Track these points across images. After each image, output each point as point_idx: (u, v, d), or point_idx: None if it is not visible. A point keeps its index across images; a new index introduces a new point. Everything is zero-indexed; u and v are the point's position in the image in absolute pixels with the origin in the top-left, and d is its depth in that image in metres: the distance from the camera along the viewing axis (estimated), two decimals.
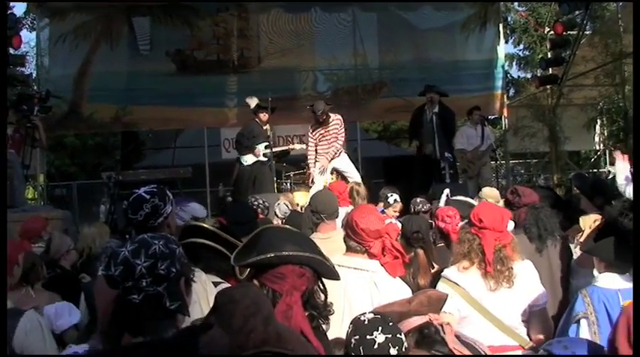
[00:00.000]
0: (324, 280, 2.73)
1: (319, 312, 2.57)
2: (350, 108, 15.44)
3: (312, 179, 10.83)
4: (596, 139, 18.09)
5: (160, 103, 14.68)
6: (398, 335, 2.49)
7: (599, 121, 17.65)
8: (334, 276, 2.69)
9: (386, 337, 2.44)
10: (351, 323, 2.57)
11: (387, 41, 15.72)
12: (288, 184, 12.05)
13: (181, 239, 3.75)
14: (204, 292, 3.40)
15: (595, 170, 18.57)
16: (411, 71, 15.43)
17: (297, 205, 8.37)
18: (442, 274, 3.93)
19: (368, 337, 2.44)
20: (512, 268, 3.81)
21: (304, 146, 11.92)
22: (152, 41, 14.71)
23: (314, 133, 10.81)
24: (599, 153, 18.64)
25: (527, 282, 3.89)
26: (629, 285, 3.36)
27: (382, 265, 3.82)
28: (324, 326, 2.62)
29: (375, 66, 15.85)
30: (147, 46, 14.67)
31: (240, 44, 15.29)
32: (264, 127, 11.09)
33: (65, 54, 14.12)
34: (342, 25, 15.50)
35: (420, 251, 4.71)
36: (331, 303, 2.65)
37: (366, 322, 2.51)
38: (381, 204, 8.36)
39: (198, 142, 15.78)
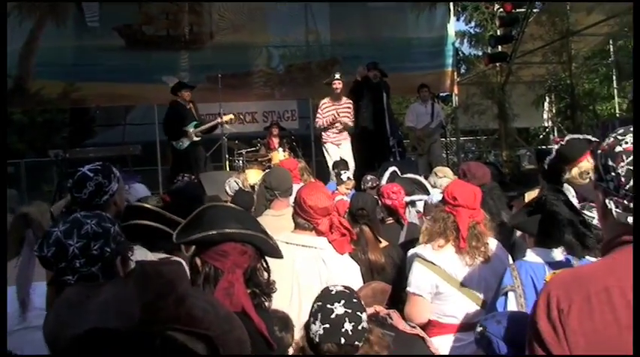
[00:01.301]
0: (270, 258, 2.74)
1: (261, 289, 2.57)
2: (303, 85, 15.46)
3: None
4: (545, 116, 18.45)
5: (108, 79, 14.36)
6: (358, 313, 2.55)
7: (547, 99, 17.99)
8: (277, 254, 2.70)
9: (345, 311, 2.51)
10: (322, 290, 2.64)
11: (339, 18, 15.67)
12: (240, 162, 12.01)
13: (124, 221, 3.73)
14: None
15: (544, 146, 18.91)
16: (362, 49, 15.38)
17: (248, 182, 8.35)
18: (417, 253, 3.94)
19: (329, 305, 2.52)
20: (487, 244, 3.90)
21: (232, 117, 11.76)
22: (100, 16, 14.36)
23: (324, 110, 10.90)
24: (547, 130, 19.00)
25: (503, 259, 3.99)
26: (557, 259, 3.49)
27: (330, 242, 3.85)
28: (266, 303, 2.62)
29: (328, 43, 15.80)
30: (95, 22, 14.33)
31: (190, 19, 15.07)
32: (189, 107, 10.95)
33: (10, 30, 13.65)
34: (294, 1, 15.40)
35: (366, 228, 4.74)
36: (274, 281, 2.66)
37: (332, 292, 2.59)
38: (334, 181, 8.47)
39: (149, 119, 15.59)
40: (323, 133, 10.97)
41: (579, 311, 1.54)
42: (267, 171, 5.81)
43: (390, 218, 5.46)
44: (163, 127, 11.47)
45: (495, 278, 3.85)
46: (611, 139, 1.69)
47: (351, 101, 11.00)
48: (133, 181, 6.07)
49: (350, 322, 2.49)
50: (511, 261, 3.97)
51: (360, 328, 2.52)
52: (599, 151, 1.71)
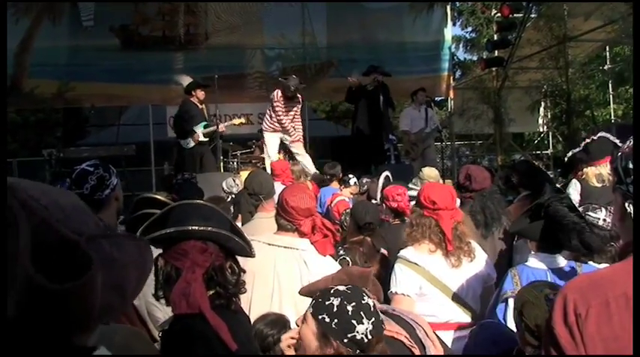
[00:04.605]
0: (251, 259, 2.67)
1: (226, 290, 2.45)
2: None
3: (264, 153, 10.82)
4: (540, 121, 18.44)
5: (103, 80, 14.36)
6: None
7: (542, 104, 17.98)
8: (245, 252, 2.58)
9: (374, 302, 2.45)
10: (330, 296, 2.43)
11: (335, 21, 15.66)
12: (235, 164, 11.95)
13: (135, 211, 3.67)
14: None
15: (538, 152, 18.96)
16: (358, 52, 15.42)
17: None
18: (399, 255, 3.90)
19: (362, 302, 2.39)
20: (470, 243, 3.88)
21: (243, 120, 11.74)
22: (96, 16, 14.33)
23: (277, 110, 10.66)
24: (542, 135, 19.01)
25: (483, 257, 3.95)
26: (559, 265, 3.44)
27: (312, 243, 3.80)
28: (234, 305, 2.51)
29: (324, 45, 15.76)
30: (90, 21, 14.29)
31: (186, 20, 15.05)
32: (201, 107, 10.90)
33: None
34: (291, 3, 15.35)
35: (368, 238, 4.75)
36: (244, 281, 2.55)
37: (349, 292, 2.45)
38: (335, 183, 8.48)
39: (144, 119, 15.53)
40: (264, 123, 10.82)
41: (597, 316, 1.49)
42: (247, 177, 5.72)
43: (397, 219, 5.46)
44: (173, 124, 11.45)
45: (477, 278, 3.84)
46: (632, 141, 1.64)
47: (300, 99, 10.83)
48: None
49: (378, 311, 2.45)
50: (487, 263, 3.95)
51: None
52: (620, 154, 1.66)
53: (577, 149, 5.86)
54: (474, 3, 22.79)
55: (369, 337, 2.33)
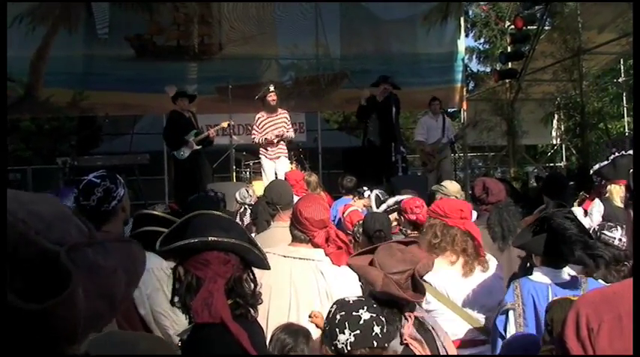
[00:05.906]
0: (268, 271, 2.73)
1: (245, 300, 2.51)
2: (311, 98, 15.44)
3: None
4: (553, 133, 18.39)
5: (118, 89, 14.44)
6: (381, 316, 2.56)
7: (556, 116, 17.94)
8: (262, 264, 2.64)
9: (371, 315, 2.51)
10: (334, 304, 2.62)
11: (349, 32, 15.66)
12: (248, 173, 11.98)
13: (135, 228, 3.69)
14: (167, 279, 3.38)
15: (551, 164, 18.89)
16: (372, 63, 15.41)
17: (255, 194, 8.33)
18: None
19: (354, 313, 2.50)
20: (484, 256, 3.92)
21: (232, 122, 11.80)
22: (111, 25, 14.42)
23: (259, 125, 10.85)
24: (555, 147, 18.94)
25: (497, 274, 3.94)
26: (562, 280, 3.43)
27: (327, 254, 3.80)
28: (252, 314, 2.56)
29: (337, 56, 15.76)
30: (105, 30, 14.40)
31: (201, 30, 15.11)
32: (187, 115, 10.96)
33: (21, 36, 13.73)
34: (305, 14, 15.38)
35: None
36: (260, 292, 2.60)
37: (350, 302, 2.58)
38: (350, 195, 8.46)
39: (157, 128, 15.55)
40: (260, 148, 11.00)
41: (610, 331, 1.50)
42: (267, 186, 5.75)
43: (416, 232, 5.46)
44: (163, 136, 11.54)
45: (486, 294, 3.82)
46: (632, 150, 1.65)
47: (286, 112, 11.03)
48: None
49: (377, 326, 2.50)
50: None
51: (385, 330, 2.53)
52: (632, 170, 1.66)
53: (604, 163, 5.65)
54: (487, 14, 22.76)
55: (349, 348, 2.45)
